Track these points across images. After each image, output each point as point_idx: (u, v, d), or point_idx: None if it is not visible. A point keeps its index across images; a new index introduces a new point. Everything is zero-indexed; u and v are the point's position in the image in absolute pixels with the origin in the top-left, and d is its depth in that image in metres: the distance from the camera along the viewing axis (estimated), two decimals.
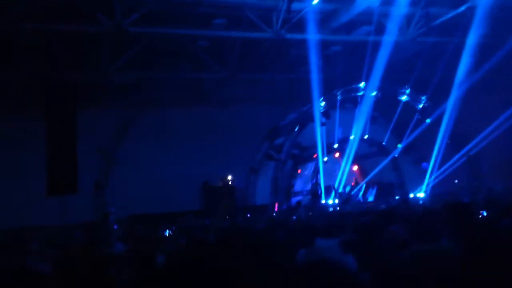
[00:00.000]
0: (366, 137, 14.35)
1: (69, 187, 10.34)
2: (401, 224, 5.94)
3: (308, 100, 12.71)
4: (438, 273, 3.25)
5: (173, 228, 8.92)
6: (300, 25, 10.13)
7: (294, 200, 14.83)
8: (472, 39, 10.79)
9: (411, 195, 14.21)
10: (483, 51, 11.13)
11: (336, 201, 14.08)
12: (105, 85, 12.03)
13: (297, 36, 10.47)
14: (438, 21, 10.47)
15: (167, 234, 8.35)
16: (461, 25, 10.47)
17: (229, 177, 14.27)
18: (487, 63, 11.43)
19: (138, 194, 12.50)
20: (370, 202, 14.61)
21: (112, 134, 12.89)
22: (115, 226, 10.25)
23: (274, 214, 13.08)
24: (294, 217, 9.78)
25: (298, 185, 15.27)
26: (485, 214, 6.84)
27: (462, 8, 9.82)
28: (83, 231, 8.20)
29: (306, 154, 14.60)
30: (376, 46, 11.23)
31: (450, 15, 10.16)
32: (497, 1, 9.37)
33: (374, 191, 15.13)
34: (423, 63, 12.08)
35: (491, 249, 3.06)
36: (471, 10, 9.93)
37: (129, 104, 12.79)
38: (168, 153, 13.31)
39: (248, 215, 12.72)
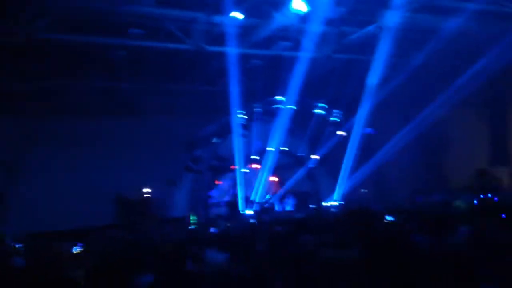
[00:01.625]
0: (283, 148, 14.73)
1: None
2: (313, 233, 6.17)
3: (227, 112, 12.79)
4: (344, 277, 3.41)
5: (83, 244, 8.42)
6: (220, 38, 10.16)
7: (212, 211, 14.80)
8: (380, 57, 11.50)
9: (325, 204, 14.79)
10: (390, 69, 11.92)
11: (254, 211, 14.24)
12: (11, 93, 11.18)
13: (217, 48, 10.47)
14: (350, 39, 11.02)
15: (75, 251, 7.88)
16: (372, 44, 11.12)
17: (145, 189, 13.88)
18: (393, 80, 12.25)
19: (44, 209, 11.73)
20: (287, 211, 14.97)
21: (17, 144, 11.99)
22: (16, 245, 9.51)
23: (192, 227, 12.92)
24: (212, 229, 9.72)
25: (217, 197, 15.25)
26: (390, 219, 7.33)
27: (370, 27, 10.42)
28: None
29: (225, 166, 14.65)
30: (294, 61, 11.58)
31: (360, 33, 10.74)
32: (402, 24, 10.06)
33: (291, 201, 15.54)
34: (337, 79, 12.65)
35: (389, 252, 3.28)
36: (380, 30, 10.57)
37: (38, 112, 11.98)
38: (79, 164, 12.66)
39: (165, 228, 12.45)
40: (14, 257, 6.70)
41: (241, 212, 14.01)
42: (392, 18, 10.05)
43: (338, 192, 15.09)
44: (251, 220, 11.51)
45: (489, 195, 10.96)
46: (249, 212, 14.12)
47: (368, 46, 11.28)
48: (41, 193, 12.06)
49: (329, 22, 10.27)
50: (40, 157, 12.35)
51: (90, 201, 12.28)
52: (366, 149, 14.46)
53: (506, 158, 14.60)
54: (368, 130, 14.37)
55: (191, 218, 13.09)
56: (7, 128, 11.65)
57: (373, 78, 12.26)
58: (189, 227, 12.70)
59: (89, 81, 11.77)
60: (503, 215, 5.16)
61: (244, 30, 10.33)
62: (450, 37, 10.64)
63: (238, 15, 9.32)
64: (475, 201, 8.81)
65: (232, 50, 10.54)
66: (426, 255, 3.72)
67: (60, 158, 12.54)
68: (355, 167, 14.69)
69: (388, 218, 7.37)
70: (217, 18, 9.55)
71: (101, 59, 10.80)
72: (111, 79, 11.99)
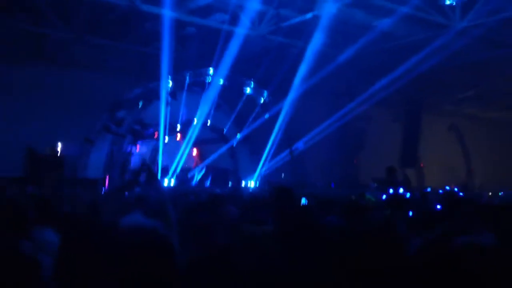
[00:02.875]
0: (209, 122, 14.71)
1: None
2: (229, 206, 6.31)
3: (156, 77, 12.53)
4: (261, 253, 3.55)
5: None
6: None
7: (129, 176, 14.50)
8: (313, 46, 11.83)
9: (243, 183, 15.04)
10: (321, 59, 12.29)
11: (172, 181, 14.16)
12: None
13: (152, 8, 10.22)
14: (287, 23, 11.22)
15: None
16: (307, 31, 11.39)
17: (59, 146, 13.30)
18: (322, 70, 12.65)
19: None
20: (205, 186, 15.03)
21: None
22: None
23: (104, 189, 12.61)
24: (126, 193, 9.57)
25: (135, 162, 14.96)
26: (304, 202, 7.65)
27: (309, 15, 10.68)
28: None
29: (147, 132, 14.36)
30: (229, 35, 11.58)
31: (297, 19, 10.97)
32: (339, 15, 10.41)
33: (209, 176, 15.59)
34: (270, 60, 12.85)
35: (305, 231, 3.46)
36: (316, 19, 10.86)
37: None
38: None
39: (77, 188, 12.06)
40: None
41: (158, 180, 13.86)
42: (329, 8, 10.36)
43: (257, 173, 15.41)
44: (165, 188, 11.45)
45: (400, 191, 11.57)
46: (166, 181, 14.02)
47: (303, 32, 11.54)
48: None
49: (268, 1, 10.38)
50: None
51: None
52: (289, 135, 14.86)
53: (414, 160, 15.63)
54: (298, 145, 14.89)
55: None
56: None
57: (304, 65, 12.57)
58: (103, 191, 12.41)
59: (11, 23, 10.99)
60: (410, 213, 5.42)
61: None
62: (379, 37, 11.19)
63: None
64: (385, 196, 9.27)
65: (167, 13, 10.32)
66: (337, 233, 3.94)
67: None
68: (277, 151, 15.06)
69: (303, 201, 7.67)
70: None
71: (26, 1, 10.15)
72: (35, 24, 11.28)
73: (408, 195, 10.12)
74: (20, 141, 12.05)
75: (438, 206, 6.04)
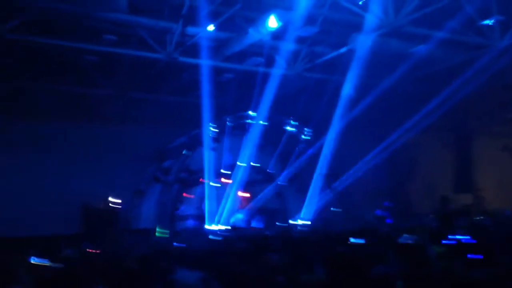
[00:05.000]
0: (253, 164, 14.76)
1: None
2: (279, 251, 6.17)
3: (197, 124, 12.79)
4: None
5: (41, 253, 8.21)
6: (193, 50, 10.22)
7: (179, 224, 14.65)
8: (350, 79, 11.76)
9: (292, 222, 14.82)
10: (360, 91, 12.17)
11: (221, 227, 14.15)
12: None
13: (190, 60, 10.52)
14: (321, 59, 11.26)
15: (33, 261, 7.67)
16: (342, 65, 11.37)
17: (112, 199, 13.67)
18: (362, 102, 12.51)
19: (5, 214, 11.43)
20: (255, 228, 14.93)
21: None
22: None
23: (157, 239, 12.76)
24: (175, 244, 9.62)
25: (185, 210, 15.12)
26: (355, 241, 7.33)
27: (343, 49, 10.68)
28: None
29: (194, 178, 14.58)
30: (266, 77, 11.73)
31: (332, 54, 10.98)
32: (373, 47, 10.33)
33: (260, 217, 15.50)
34: (308, 97, 12.86)
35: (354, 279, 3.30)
36: (351, 53, 10.84)
37: (3, 114, 11.76)
38: (43, 169, 12.41)
39: (131, 239, 12.26)
40: None
41: (208, 226, 13.91)
42: (363, 41, 10.32)
43: (305, 210, 15.16)
44: (211, 237, 11.45)
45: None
46: (216, 227, 14.04)
47: (338, 66, 11.52)
48: (2, 198, 11.76)
49: (301, 41, 10.47)
50: (4, 161, 12.08)
51: (54, 208, 12.06)
52: (331, 171, 14.63)
53: (469, 185, 14.92)
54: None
55: (159, 230, 12.93)
56: None
57: (343, 98, 12.49)
58: (155, 240, 12.55)
59: (57, 85, 11.64)
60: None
61: (218, 44, 10.44)
62: (417, 63, 10.99)
63: (211, 27, 9.42)
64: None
65: (205, 62, 10.61)
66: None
67: (25, 162, 12.30)
68: (323, 186, 14.82)
69: (353, 240, 7.37)
70: (191, 30, 9.61)
71: (72, 63, 10.73)
72: (80, 84, 11.90)
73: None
74: (73, 198, 12.48)
75: None
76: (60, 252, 8.63)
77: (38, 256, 7.65)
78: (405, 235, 6.57)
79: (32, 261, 7.42)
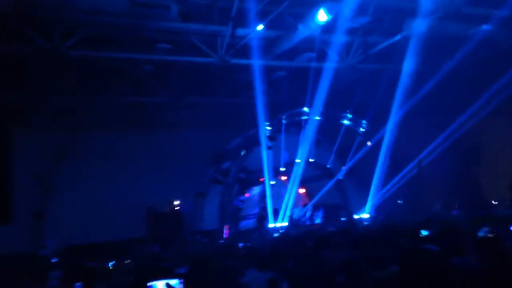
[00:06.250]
0: (311, 160, 14.64)
1: (3, 218, 9.73)
2: (344, 248, 6.03)
3: (252, 124, 12.85)
4: None
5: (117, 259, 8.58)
6: (244, 51, 10.26)
7: (242, 224, 14.83)
8: (407, 66, 11.33)
9: (356, 216, 14.56)
10: (418, 78, 11.71)
11: (284, 224, 14.16)
12: (43, 108, 11.61)
13: (241, 61, 10.57)
14: (375, 49, 10.93)
15: (111, 266, 8.04)
16: (397, 53, 10.98)
17: (176, 202, 14.03)
18: (421, 89, 12.03)
19: (78, 223, 12.03)
20: (317, 224, 14.82)
21: (50, 159, 12.38)
22: (54, 259, 9.78)
23: (223, 240, 12.97)
24: (241, 244, 9.72)
25: (246, 209, 15.26)
26: (425, 233, 7.04)
27: (398, 37, 10.31)
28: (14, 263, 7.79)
29: (253, 178, 14.68)
30: (318, 72, 11.56)
31: (386, 43, 10.63)
32: (429, 32, 9.90)
33: (321, 213, 15.37)
34: (363, 88, 12.55)
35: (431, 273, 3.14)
36: (406, 39, 10.44)
37: (69, 128, 12.38)
38: (109, 178, 12.95)
39: (197, 241, 12.56)
40: (52, 271, 6.88)
41: (270, 224, 13.96)
42: (419, 27, 9.91)
43: (369, 204, 14.85)
44: (276, 234, 11.45)
45: None
46: (278, 224, 14.07)
47: (394, 54, 11.15)
48: (75, 208, 12.41)
49: (353, 32, 10.22)
50: (73, 172, 12.72)
51: (122, 214, 12.55)
52: (395, 160, 14.20)
53: None
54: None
55: None
56: (40, 144, 12.02)
57: (402, 87, 12.07)
58: (220, 241, 12.77)
59: (116, 96, 12.08)
60: None
61: (268, 42, 10.41)
62: (479, 44, 10.41)
63: (260, 27, 9.40)
64: None
65: (256, 62, 10.61)
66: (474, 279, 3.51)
67: (91, 172, 12.88)
68: (386, 178, 14.44)
69: (424, 232, 7.11)
70: (241, 31, 9.65)
71: (128, 74, 11.10)
72: (138, 93, 12.28)
73: None
74: (138, 203, 12.94)
75: None
76: (131, 255, 9.01)
77: (113, 260, 8.04)
78: (484, 228, 6.24)
79: (109, 266, 7.81)
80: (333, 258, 5.44)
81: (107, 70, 10.74)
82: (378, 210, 14.68)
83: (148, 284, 4.73)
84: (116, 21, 8.81)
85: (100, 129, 12.84)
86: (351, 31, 10.21)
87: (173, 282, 4.83)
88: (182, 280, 4.95)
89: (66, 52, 9.04)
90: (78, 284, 5.78)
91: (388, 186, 14.58)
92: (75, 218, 12.21)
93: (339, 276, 4.39)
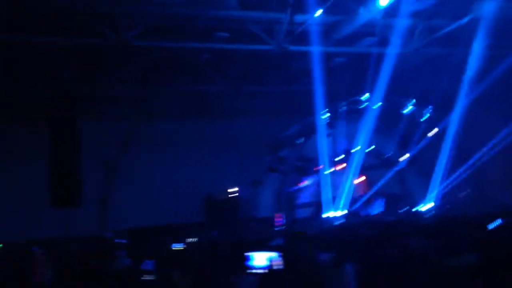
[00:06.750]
0: (371, 148, 14.27)
1: (73, 201, 10.29)
2: (414, 237, 5.86)
3: (310, 111, 12.67)
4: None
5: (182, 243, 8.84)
6: (303, 37, 10.12)
7: (299, 212, 14.75)
8: (476, 51, 10.73)
9: (419, 207, 14.09)
10: (487, 62, 11.07)
11: (343, 212, 13.96)
12: (108, 98, 12.08)
13: (300, 48, 10.44)
14: (441, 33, 10.43)
15: (174, 247, 8.33)
16: (465, 36, 10.42)
17: (234, 189, 14.20)
18: (491, 74, 11.36)
19: (139, 208, 12.52)
20: (378, 214, 14.50)
21: (115, 147, 12.90)
22: (122, 240, 10.22)
23: (279, 227, 13.00)
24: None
25: (303, 197, 15.18)
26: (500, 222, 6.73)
27: (465, 19, 9.77)
28: (84, 245, 8.21)
29: (310, 166, 14.52)
30: (380, 57, 11.20)
31: (453, 26, 10.11)
32: (499, 14, 9.32)
33: (382, 203, 15.00)
34: (427, 74, 12.04)
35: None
36: (474, 22, 9.88)
37: (132, 117, 12.83)
38: (170, 165, 13.35)
39: (255, 228, 12.70)
40: (118, 251, 7.21)
41: (326, 214, 13.81)
42: (488, 8, 9.36)
43: (433, 194, 14.30)
44: (336, 223, 11.31)
45: None
46: (336, 213, 13.89)
47: (460, 39, 10.59)
48: (138, 192, 12.93)
49: (417, 15, 9.80)
50: (136, 159, 13.21)
51: (180, 200, 12.92)
52: (462, 149, 13.56)
53: None
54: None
55: None
56: (106, 131, 12.57)
57: (469, 72, 11.46)
58: (276, 228, 12.82)
59: (176, 85, 12.36)
60: None
61: (327, 28, 10.21)
62: None
63: (319, 12, 9.22)
64: None
65: (315, 49, 10.44)
66: None
67: (154, 159, 13.34)
68: (450, 168, 13.83)
69: (494, 224, 6.83)
70: (299, 17, 9.52)
71: (187, 63, 11.29)
72: (196, 82, 12.49)
73: None
74: (196, 190, 13.25)
75: None
76: (191, 238, 9.30)
77: (176, 242, 8.35)
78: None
79: (173, 248, 8.11)
80: (404, 246, 5.32)
81: (167, 60, 11.00)
82: (443, 200, 14.11)
83: (246, 254, 5.01)
84: (176, 11, 8.97)
85: (161, 117, 13.22)
86: (414, 14, 9.79)
87: (271, 254, 5.06)
88: (280, 253, 5.11)
89: (130, 41, 9.33)
90: (148, 261, 6.00)
91: (454, 176, 13.97)
92: (137, 203, 12.71)
93: (411, 263, 4.28)
